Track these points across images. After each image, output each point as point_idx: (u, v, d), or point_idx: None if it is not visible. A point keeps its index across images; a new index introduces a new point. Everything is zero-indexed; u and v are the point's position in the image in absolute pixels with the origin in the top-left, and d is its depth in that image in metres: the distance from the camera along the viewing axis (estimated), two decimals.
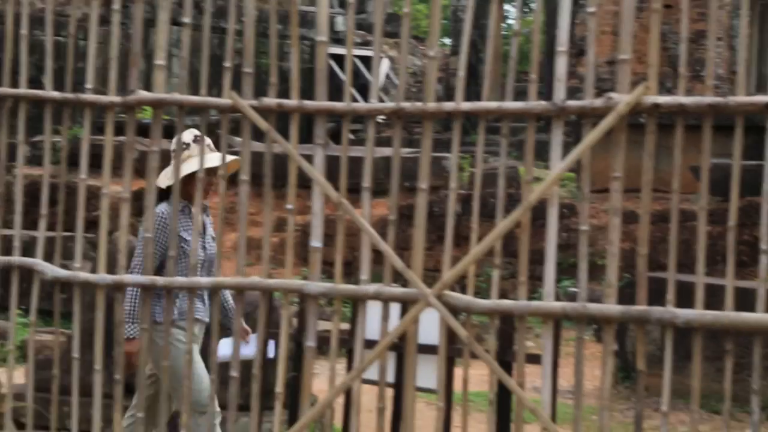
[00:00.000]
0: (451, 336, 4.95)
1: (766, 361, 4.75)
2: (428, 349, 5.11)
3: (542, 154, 5.03)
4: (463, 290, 4.96)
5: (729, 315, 4.57)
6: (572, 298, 5.00)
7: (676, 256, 4.71)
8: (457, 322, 4.85)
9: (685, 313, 4.56)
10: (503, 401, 5.14)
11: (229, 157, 5.55)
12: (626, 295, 4.91)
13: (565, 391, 5.43)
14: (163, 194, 6.18)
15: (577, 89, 5.04)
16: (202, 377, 6.30)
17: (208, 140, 5.89)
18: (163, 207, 6.26)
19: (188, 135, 6.36)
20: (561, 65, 4.85)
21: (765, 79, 4.54)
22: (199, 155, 5.29)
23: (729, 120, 4.61)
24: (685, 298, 4.67)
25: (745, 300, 4.63)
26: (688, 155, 4.82)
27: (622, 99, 4.67)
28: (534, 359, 5.05)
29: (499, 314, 4.97)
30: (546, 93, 4.93)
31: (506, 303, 4.92)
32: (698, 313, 4.57)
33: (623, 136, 4.77)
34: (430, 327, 5.03)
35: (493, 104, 5.01)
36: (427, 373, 5.18)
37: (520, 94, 5.21)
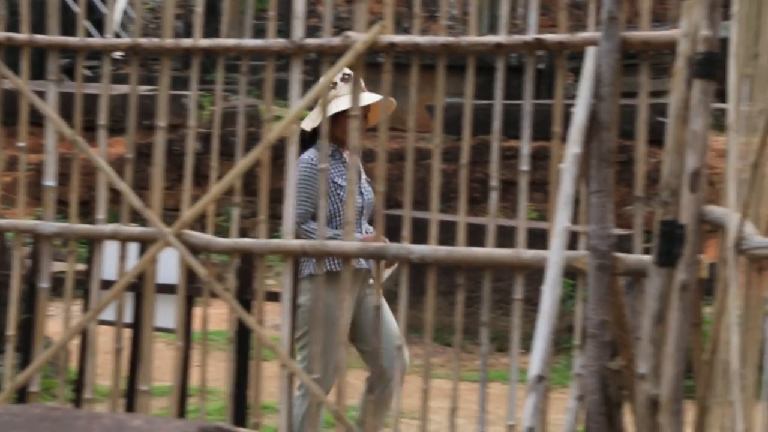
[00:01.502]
0: (190, 275, 4.90)
1: (495, 294, 4.91)
2: (167, 289, 5.05)
3: (282, 93, 5.01)
4: (203, 229, 4.91)
5: (461, 250, 4.70)
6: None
7: (412, 194, 4.80)
8: (197, 261, 4.81)
9: (419, 249, 4.67)
10: (243, 339, 5.14)
11: (374, 97, 5.43)
12: None
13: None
14: (308, 140, 5.70)
15: (317, 28, 5.05)
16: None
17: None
18: (310, 153, 5.65)
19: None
20: (299, 3, 4.84)
21: (497, 20, 4.73)
22: (352, 93, 4.92)
23: (463, 60, 4.71)
24: (420, 234, 4.78)
25: (477, 236, 4.78)
26: (423, 94, 4.92)
27: (359, 38, 4.70)
28: (273, 297, 5.08)
29: (239, 253, 4.97)
30: (286, 31, 4.90)
31: (246, 241, 4.92)
32: (432, 249, 4.68)
33: (360, 75, 4.81)
34: (169, 266, 4.97)
35: (231, 41, 4.96)
36: (165, 312, 5.13)
37: (260, 32, 5.18)
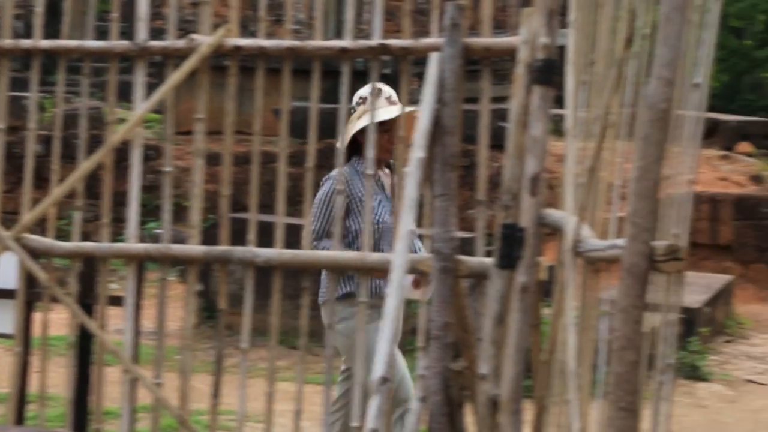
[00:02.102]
0: (30, 280, 4.80)
1: None
2: (7, 294, 4.94)
3: (126, 95, 4.95)
4: (44, 233, 4.82)
5: (306, 253, 4.71)
6: (156, 239, 4.97)
7: (258, 197, 4.79)
8: (37, 265, 4.72)
9: (265, 253, 4.66)
10: (84, 344, 5.04)
11: (393, 111, 5.16)
12: (210, 236, 4.95)
13: (149, 332, 5.40)
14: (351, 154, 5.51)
15: (162, 30, 4.99)
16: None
17: (389, 92, 5.36)
18: (340, 169, 5.13)
19: (366, 89, 5.29)
20: (143, 5, 4.79)
21: (343, 25, 4.72)
22: (371, 108, 4.70)
23: (309, 64, 4.72)
24: (267, 237, 4.77)
25: None
26: (269, 98, 4.90)
27: (204, 41, 4.67)
28: (116, 301, 5.00)
29: (80, 257, 4.89)
30: (129, 33, 4.83)
31: (88, 245, 4.84)
32: (278, 252, 4.68)
33: (206, 78, 4.78)
34: (8, 271, 4.86)
35: (73, 43, 4.89)
36: (4, 318, 5.01)
37: (103, 34, 5.10)
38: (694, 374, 9.10)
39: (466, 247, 4.62)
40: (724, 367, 9.62)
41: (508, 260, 3.94)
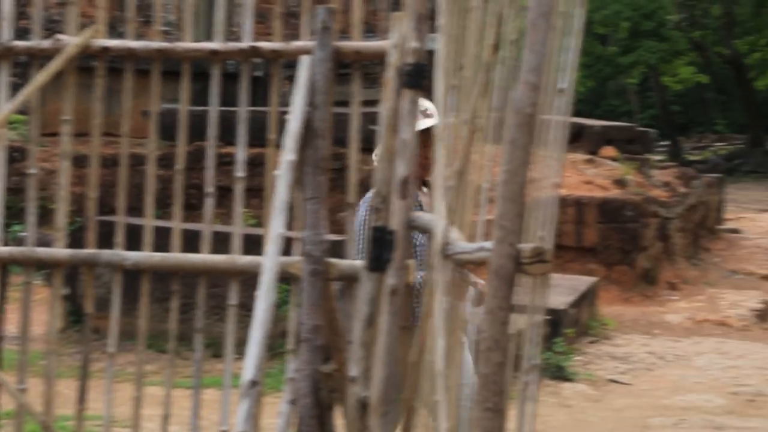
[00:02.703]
0: None
1: (210, 300, 4.88)
2: None
3: None
4: None
5: (176, 256, 4.65)
6: (21, 242, 4.86)
7: (127, 200, 4.72)
8: None
9: (133, 256, 4.59)
10: None
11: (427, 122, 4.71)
12: (77, 239, 4.86)
13: (13, 337, 5.27)
14: None
15: (27, 30, 4.87)
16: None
17: (425, 104, 4.70)
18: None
19: None
20: (6, 4, 4.68)
21: (213, 27, 4.66)
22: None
23: (178, 66, 4.67)
24: (136, 240, 4.70)
25: (193, 242, 4.73)
26: (138, 100, 4.83)
27: (71, 41, 4.58)
28: None
29: None
30: None
31: None
32: (146, 255, 4.62)
33: (73, 79, 4.69)
34: None
35: None
36: None
37: None
38: (560, 374, 9.24)
39: (336, 249, 4.62)
40: (588, 367, 9.79)
41: (378, 263, 3.95)
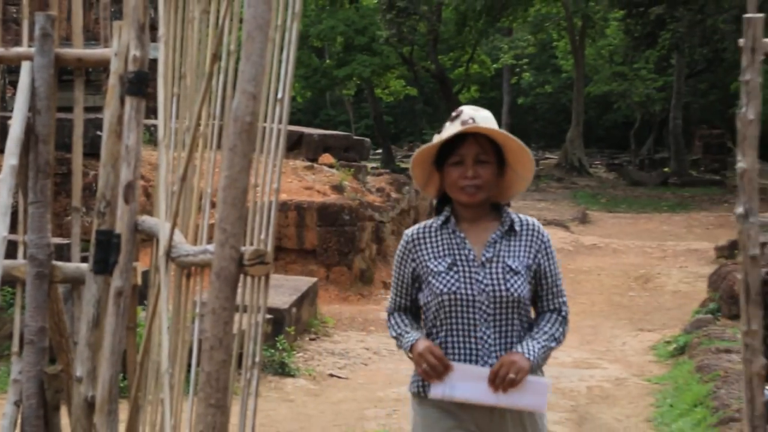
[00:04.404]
0: None
1: None
2: None
3: None
4: None
5: None
6: None
7: None
8: None
9: None
10: None
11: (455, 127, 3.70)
12: None
13: None
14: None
15: None
16: None
17: (471, 111, 3.71)
18: (422, 224, 3.91)
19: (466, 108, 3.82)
20: None
21: None
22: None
23: None
24: None
25: None
26: None
27: None
28: None
29: None
30: None
31: None
32: None
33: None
34: None
35: None
36: None
37: None
38: (282, 371, 9.31)
39: (62, 253, 4.51)
40: (309, 363, 9.90)
41: (104, 265, 3.89)
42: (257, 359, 2.84)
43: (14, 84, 4.72)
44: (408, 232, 3.82)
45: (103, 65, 4.19)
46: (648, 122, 39.52)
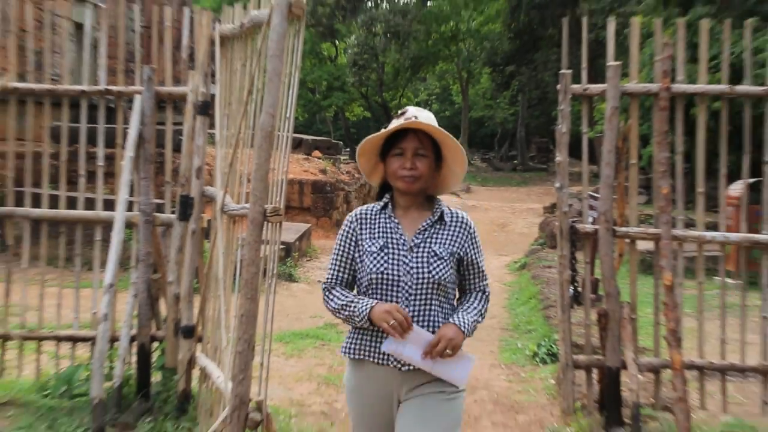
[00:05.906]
0: None
1: (84, 237, 4.41)
2: None
3: None
4: None
5: (62, 212, 4.16)
6: None
7: (31, 178, 4.17)
8: None
9: (35, 211, 4.09)
10: None
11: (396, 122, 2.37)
12: (1, 201, 4.26)
13: None
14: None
15: None
16: None
17: (415, 111, 2.39)
18: (366, 206, 2.47)
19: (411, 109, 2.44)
20: None
21: (82, 76, 4.13)
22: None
23: (61, 99, 4.15)
24: (37, 202, 4.16)
25: (73, 203, 4.25)
26: (37, 119, 4.27)
27: None
28: None
29: None
30: None
31: None
32: (44, 211, 4.11)
33: None
34: None
35: None
36: None
37: None
38: (290, 278, 9.12)
39: (159, 208, 4.29)
40: (306, 274, 9.70)
41: (184, 215, 3.74)
42: (275, 272, 2.69)
43: (129, 108, 4.50)
44: (352, 213, 2.45)
45: (183, 97, 3.98)
46: (505, 134, 39.54)
